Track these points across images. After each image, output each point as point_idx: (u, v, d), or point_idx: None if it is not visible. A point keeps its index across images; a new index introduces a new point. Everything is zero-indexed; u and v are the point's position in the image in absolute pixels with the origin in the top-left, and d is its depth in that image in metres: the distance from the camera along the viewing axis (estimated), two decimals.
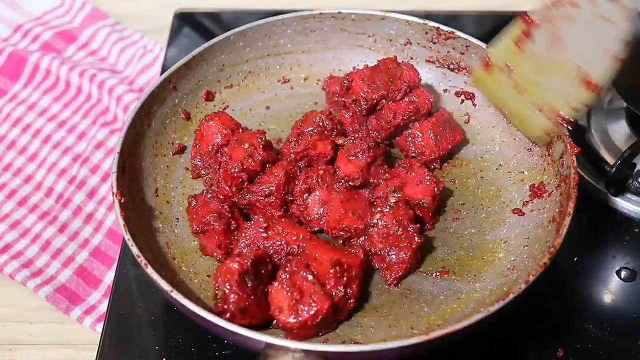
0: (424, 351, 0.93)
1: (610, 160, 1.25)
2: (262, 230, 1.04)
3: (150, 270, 0.95)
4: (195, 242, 1.10)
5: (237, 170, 1.10)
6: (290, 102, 1.30)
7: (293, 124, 1.17)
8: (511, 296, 0.93)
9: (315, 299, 0.95)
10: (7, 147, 1.40)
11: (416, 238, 1.04)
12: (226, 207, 1.07)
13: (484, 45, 1.20)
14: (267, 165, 1.12)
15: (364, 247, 1.05)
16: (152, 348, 1.08)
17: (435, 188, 1.10)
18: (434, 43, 1.27)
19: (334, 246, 1.05)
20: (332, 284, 0.97)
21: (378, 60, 1.22)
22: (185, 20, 1.57)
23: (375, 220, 1.04)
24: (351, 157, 1.12)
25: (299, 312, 0.95)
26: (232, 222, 1.07)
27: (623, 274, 1.17)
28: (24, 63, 1.49)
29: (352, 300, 0.99)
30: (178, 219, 1.13)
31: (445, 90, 1.29)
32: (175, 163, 1.20)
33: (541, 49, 1.08)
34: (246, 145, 1.11)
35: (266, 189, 1.09)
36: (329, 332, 0.99)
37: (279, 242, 1.03)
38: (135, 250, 0.97)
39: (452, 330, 0.90)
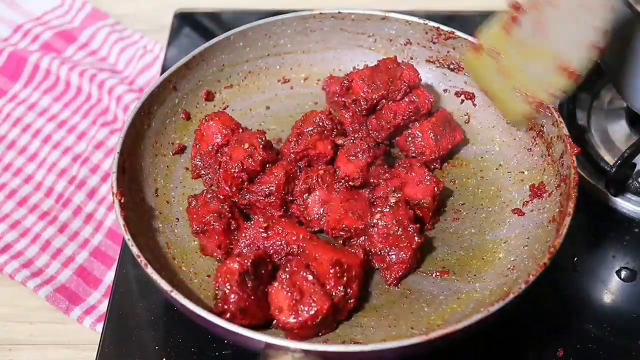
0: (424, 351, 0.93)
1: (610, 160, 1.24)
2: (262, 230, 1.04)
3: (150, 270, 0.95)
4: (195, 242, 1.10)
5: (237, 170, 1.10)
6: (290, 102, 1.30)
7: (293, 124, 1.17)
8: (511, 296, 0.93)
9: (315, 299, 0.95)
10: (7, 147, 1.40)
11: (416, 238, 1.04)
12: (226, 207, 1.07)
13: None
14: (267, 165, 1.12)
15: (364, 247, 1.05)
16: (152, 348, 1.08)
17: (435, 188, 1.10)
18: (434, 43, 1.27)
19: (334, 246, 1.05)
20: (332, 284, 0.97)
21: (378, 60, 1.22)
22: (185, 20, 1.57)
23: (375, 220, 1.04)
24: (351, 157, 1.12)
25: (299, 312, 0.95)
26: (232, 222, 1.07)
27: (623, 274, 1.17)
28: (24, 63, 1.49)
29: (352, 300, 0.99)
30: (178, 219, 1.13)
31: (445, 90, 1.29)
32: (175, 163, 1.20)
33: (526, 35, 1.10)
34: (246, 145, 1.11)
35: (266, 189, 1.09)
36: (329, 332, 0.99)
37: (279, 242, 1.03)
38: (135, 250, 0.97)
39: (452, 330, 0.90)
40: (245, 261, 0.96)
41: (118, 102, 1.43)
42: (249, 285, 0.96)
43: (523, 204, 1.14)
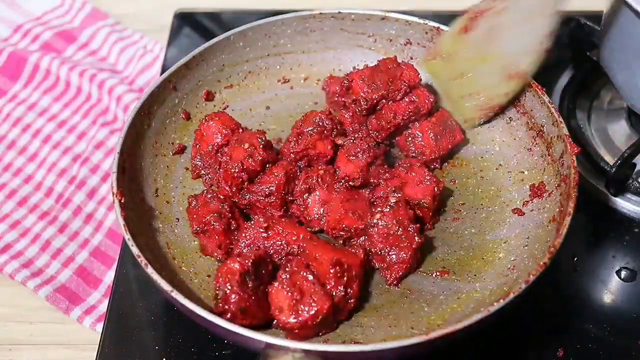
0: (424, 351, 0.93)
1: (610, 160, 1.25)
2: (262, 230, 1.04)
3: (150, 270, 0.95)
4: (196, 242, 1.10)
5: (237, 170, 1.10)
6: (290, 102, 1.30)
7: (293, 124, 1.17)
8: (511, 296, 0.93)
9: (315, 299, 0.95)
10: (7, 147, 1.40)
11: (416, 238, 1.04)
12: (226, 207, 1.07)
13: None
14: (267, 165, 1.12)
15: (364, 247, 1.05)
16: (152, 348, 1.08)
17: (436, 188, 1.10)
18: (434, 43, 1.27)
19: (334, 246, 1.05)
20: (332, 284, 0.97)
21: (378, 60, 1.22)
22: (185, 20, 1.57)
23: (375, 220, 1.04)
24: (351, 157, 1.12)
25: (299, 312, 0.95)
26: (232, 222, 1.07)
27: (623, 274, 1.17)
28: (24, 63, 1.49)
29: (352, 300, 0.99)
30: (178, 219, 1.13)
31: None
32: (175, 163, 1.20)
33: (480, 38, 1.12)
34: (246, 145, 1.11)
35: (266, 189, 1.09)
36: (329, 332, 0.99)
37: (279, 242, 1.03)
38: (135, 250, 0.97)
39: (452, 330, 0.90)
40: (246, 261, 0.96)
41: (118, 102, 1.43)
42: (249, 285, 0.96)
43: (523, 204, 1.14)
